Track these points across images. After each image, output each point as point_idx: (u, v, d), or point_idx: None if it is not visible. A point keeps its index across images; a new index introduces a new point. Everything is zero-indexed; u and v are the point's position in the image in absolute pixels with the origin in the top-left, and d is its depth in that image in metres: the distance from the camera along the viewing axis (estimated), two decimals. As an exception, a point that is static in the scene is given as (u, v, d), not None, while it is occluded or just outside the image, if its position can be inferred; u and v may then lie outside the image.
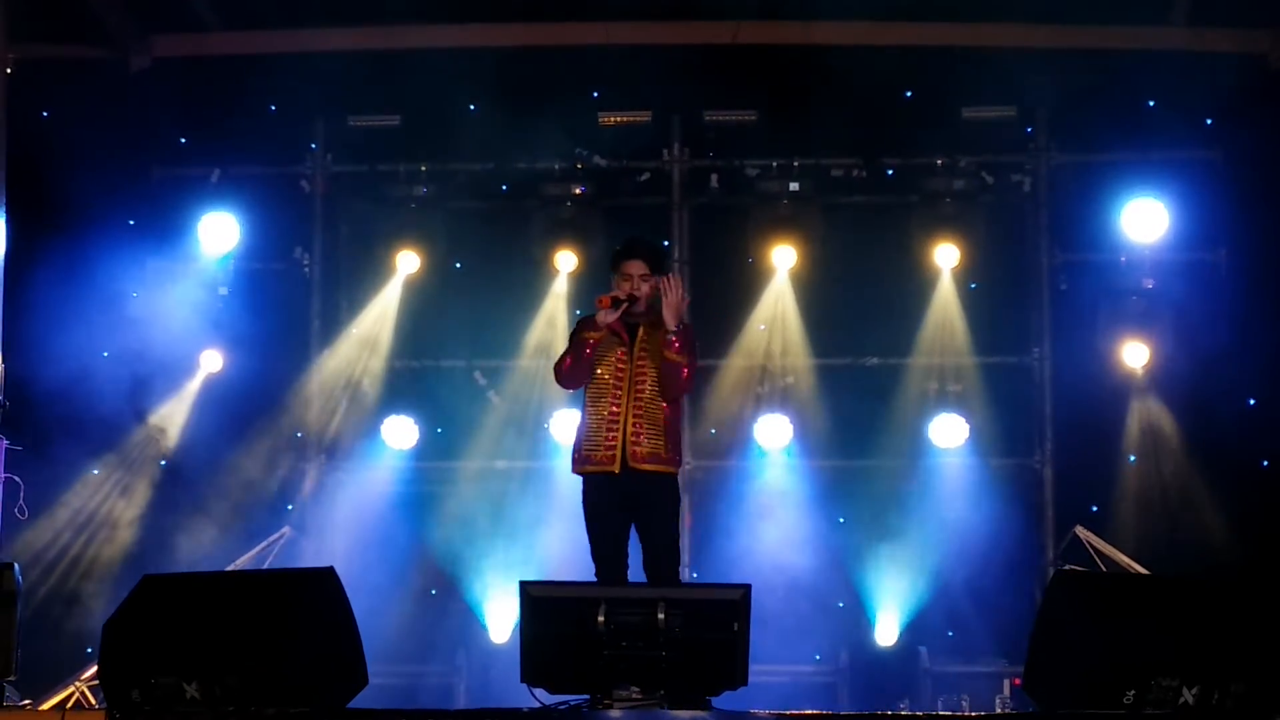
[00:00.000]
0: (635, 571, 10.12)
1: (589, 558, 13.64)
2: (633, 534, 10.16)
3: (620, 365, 10.03)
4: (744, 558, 14.15)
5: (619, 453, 9.94)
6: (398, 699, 13.95)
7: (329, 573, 8.88)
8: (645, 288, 10.07)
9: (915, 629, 14.33)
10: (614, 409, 9.98)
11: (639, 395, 9.99)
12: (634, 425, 9.95)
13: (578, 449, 10.13)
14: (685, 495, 12.06)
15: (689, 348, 9.98)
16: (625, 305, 10.00)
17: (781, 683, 14.17)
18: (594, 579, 10.16)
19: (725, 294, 15.13)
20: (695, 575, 14.15)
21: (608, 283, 14.47)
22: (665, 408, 10.06)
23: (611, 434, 9.97)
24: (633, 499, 10.03)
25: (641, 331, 10.11)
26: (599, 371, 10.06)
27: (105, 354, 14.60)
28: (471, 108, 15.06)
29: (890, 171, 15.06)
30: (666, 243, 15.06)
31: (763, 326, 15.03)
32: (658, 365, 9.99)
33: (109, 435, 14.78)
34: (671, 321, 9.88)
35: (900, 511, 14.55)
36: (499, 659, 14.17)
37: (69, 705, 12.74)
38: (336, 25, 14.94)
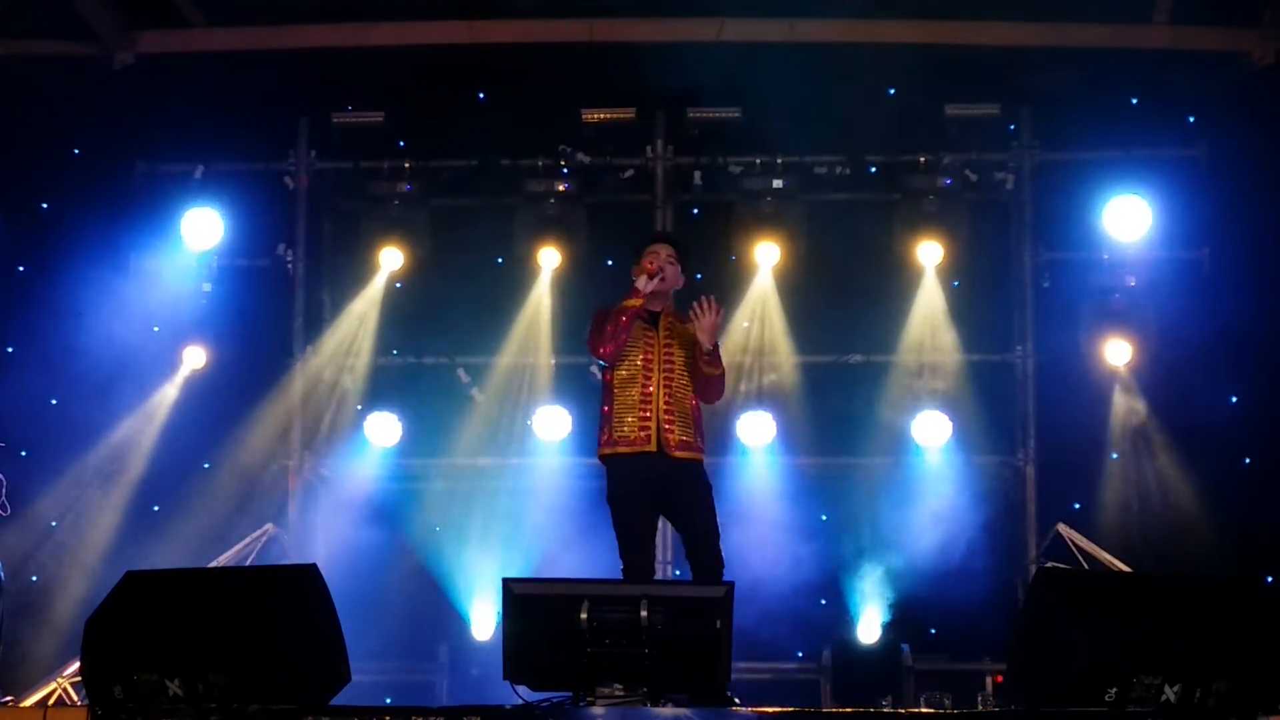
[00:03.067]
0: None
1: (571, 554, 13.70)
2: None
3: (649, 349, 10.15)
4: (726, 555, 14.13)
5: (654, 434, 10.02)
6: (380, 696, 13.97)
7: (312, 570, 8.88)
8: (669, 268, 10.27)
9: (898, 626, 14.34)
10: (647, 389, 10.08)
11: (669, 381, 10.13)
12: (666, 410, 10.07)
13: (607, 432, 10.16)
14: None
15: (720, 361, 10.19)
16: (659, 279, 10.18)
17: (764, 680, 14.21)
18: (580, 576, 10.19)
19: (709, 291, 14.97)
20: (678, 573, 14.14)
21: (592, 278, 14.62)
22: (693, 398, 10.21)
23: (645, 416, 10.06)
24: (667, 486, 10.08)
25: (664, 320, 10.28)
26: (630, 355, 10.14)
27: (88, 349, 14.59)
28: (455, 105, 15.06)
29: (873, 169, 15.06)
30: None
31: (746, 324, 15.02)
32: (685, 354, 10.18)
33: (91, 431, 14.76)
34: (707, 342, 10.03)
35: (883, 509, 14.55)
36: (482, 656, 14.18)
37: (51, 702, 12.72)
38: (320, 22, 14.95)
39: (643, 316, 10.17)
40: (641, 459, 10.03)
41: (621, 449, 10.07)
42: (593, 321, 10.31)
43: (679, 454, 10.07)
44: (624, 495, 10.09)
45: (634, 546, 10.06)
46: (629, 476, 10.08)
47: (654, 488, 10.07)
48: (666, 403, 10.06)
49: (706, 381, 10.15)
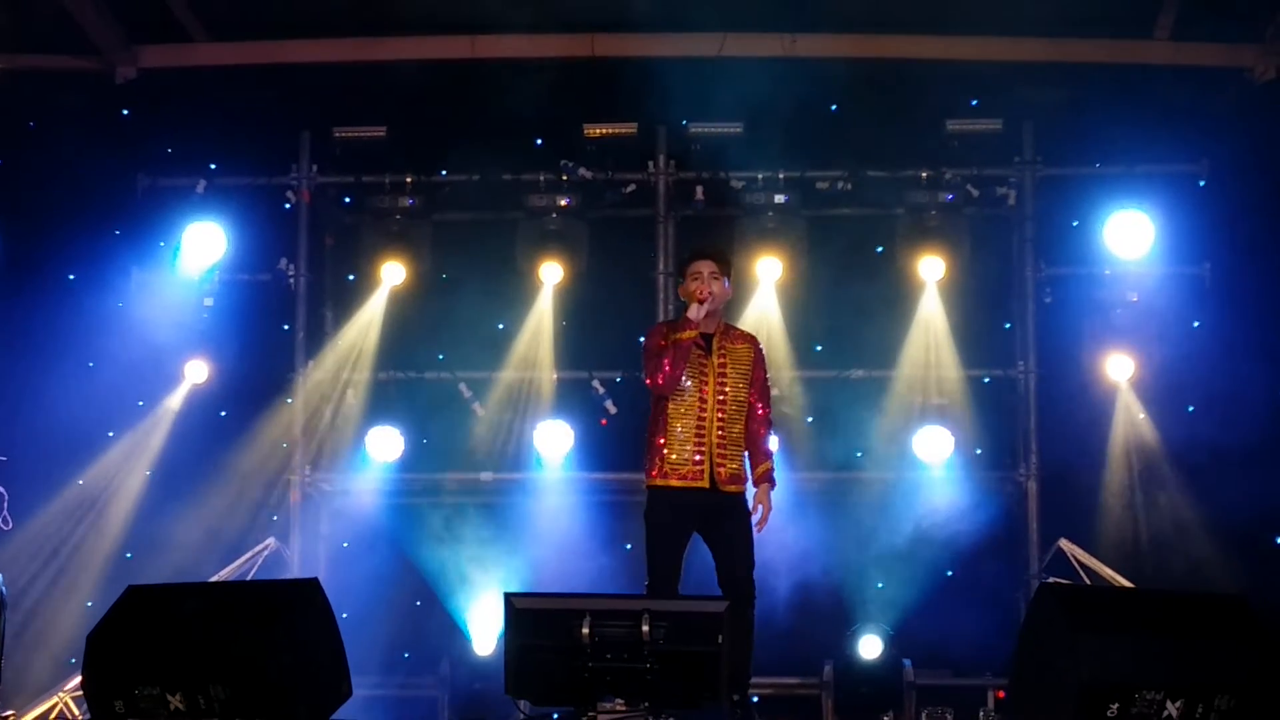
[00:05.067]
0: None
1: (573, 568, 13.68)
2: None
3: (703, 377, 10.20)
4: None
5: (707, 470, 10.08)
6: (382, 711, 13.95)
7: (313, 584, 8.88)
8: (715, 286, 10.25)
9: (900, 641, 14.30)
10: (701, 423, 10.13)
11: (722, 410, 10.19)
12: (720, 444, 10.15)
13: (659, 464, 10.21)
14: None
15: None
16: (710, 303, 10.21)
17: (766, 695, 14.19)
18: (582, 590, 10.20)
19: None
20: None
21: (594, 294, 14.61)
22: (742, 424, 10.30)
23: (700, 450, 10.12)
24: (710, 515, 10.17)
25: (716, 341, 10.33)
26: (685, 381, 10.18)
27: (90, 364, 14.61)
28: (457, 119, 15.06)
29: (875, 184, 15.03)
30: (652, 254, 15.07)
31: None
32: (738, 373, 10.30)
33: (93, 445, 14.76)
34: (711, 325, 10.32)
35: (885, 524, 14.53)
36: (483, 671, 14.15)
37: (53, 717, 12.76)
38: (322, 37, 14.96)
39: (697, 341, 10.19)
40: (692, 493, 10.09)
41: (674, 482, 10.12)
42: (646, 347, 10.36)
43: (729, 488, 10.14)
44: (667, 524, 10.17)
45: (665, 570, 10.14)
46: (676, 507, 10.16)
47: (698, 518, 10.17)
48: (720, 436, 10.15)
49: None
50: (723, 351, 10.29)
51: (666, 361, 10.11)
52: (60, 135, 14.84)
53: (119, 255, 14.91)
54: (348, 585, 13.66)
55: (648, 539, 10.26)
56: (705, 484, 10.09)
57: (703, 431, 10.11)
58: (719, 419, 10.15)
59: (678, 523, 10.16)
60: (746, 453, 10.36)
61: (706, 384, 10.17)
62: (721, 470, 10.11)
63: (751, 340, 10.59)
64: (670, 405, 10.18)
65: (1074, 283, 14.87)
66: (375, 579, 14.43)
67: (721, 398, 10.19)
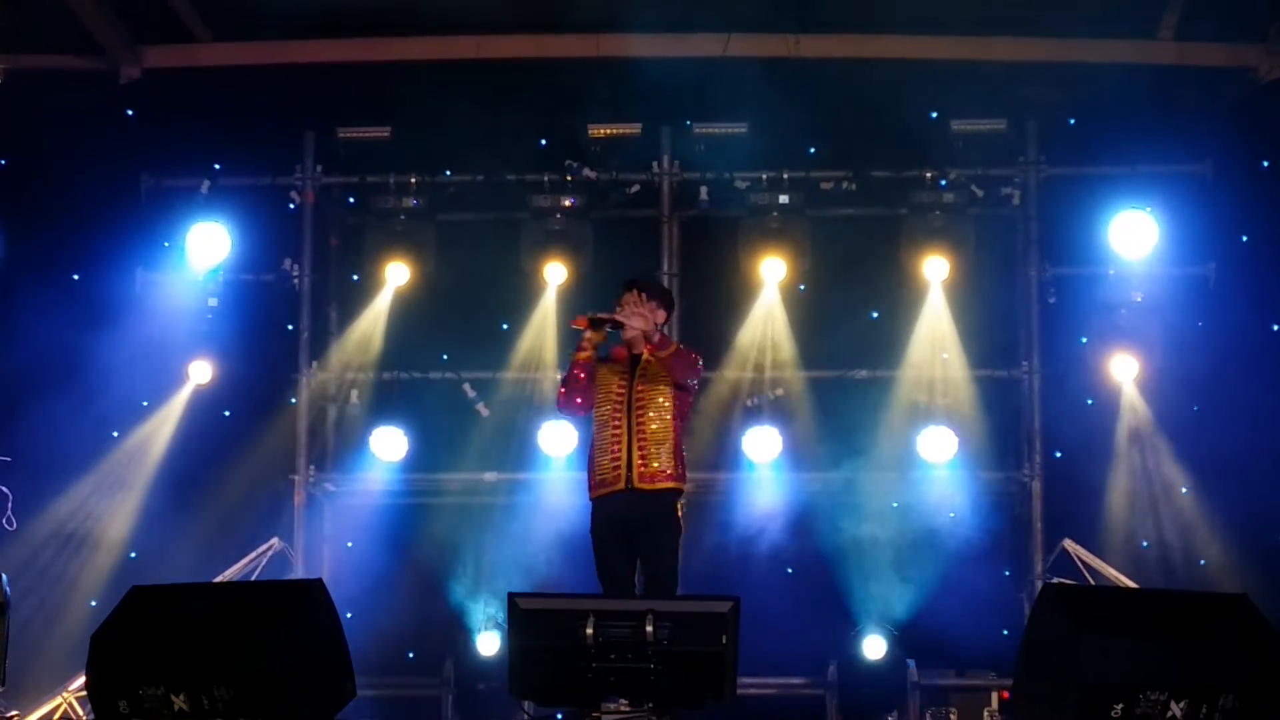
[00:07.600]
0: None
1: (577, 569, 13.72)
2: None
3: (619, 393, 10.43)
4: (732, 570, 14.15)
5: (624, 472, 10.22)
6: (385, 711, 13.95)
7: (317, 584, 8.88)
8: (633, 312, 10.51)
9: (904, 642, 14.30)
10: (616, 429, 10.34)
11: (640, 416, 10.32)
12: (639, 444, 10.27)
13: (588, 475, 10.51)
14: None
15: (667, 342, 10.55)
16: (607, 323, 10.47)
17: (770, 695, 14.19)
18: (585, 591, 10.24)
19: (715, 306, 15.12)
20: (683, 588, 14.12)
21: (598, 294, 14.65)
22: (670, 428, 10.42)
23: (616, 454, 10.31)
24: (636, 525, 10.26)
25: (642, 361, 10.52)
26: (600, 402, 10.46)
27: (95, 364, 14.60)
28: (461, 120, 15.05)
29: (880, 184, 15.02)
30: (658, 259, 15.05)
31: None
32: (663, 387, 10.43)
33: (98, 446, 14.76)
34: (638, 344, 10.46)
35: (889, 524, 14.52)
36: (487, 671, 14.16)
37: (57, 717, 12.78)
38: (327, 37, 14.95)
39: (619, 359, 10.46)
40: (614, 499, 10.25)
41: (597, 491, 10.39)
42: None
43: (645, 485, 10.32)
44: (598, 536, 10.46)
45: (608, 585, 10.24)
46: (602, 519, 10.41)
47: (624, 528, 10.29)
48: (640, 436, 10.30)
49: (671, 367, 10.38)
50: (644, 369, 10.50)
51: (572, 384, 10.52)
52: (64, 136, 14.84)
53: (123, 255, 14.91)
54: (352, 585, 13.67)
55: (594, 554, 10.53)
56: (622, 486, 10.27)
57: (618, 438, 10.33)
58: (637, 424, 10.35)
59: (609, 535, 10.33)
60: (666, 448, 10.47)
61: (623, 398, 10.44)
62: (641, 469, 10.29)
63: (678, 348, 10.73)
64: (595, 419, 10.52)
65: (1078, 282, 14.87)
66: (379, 579, 14.44)
67: (641, 403, 10.40)
